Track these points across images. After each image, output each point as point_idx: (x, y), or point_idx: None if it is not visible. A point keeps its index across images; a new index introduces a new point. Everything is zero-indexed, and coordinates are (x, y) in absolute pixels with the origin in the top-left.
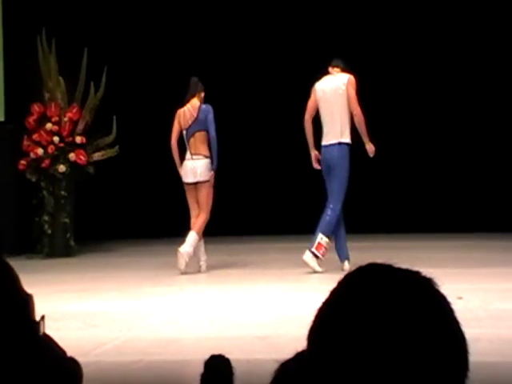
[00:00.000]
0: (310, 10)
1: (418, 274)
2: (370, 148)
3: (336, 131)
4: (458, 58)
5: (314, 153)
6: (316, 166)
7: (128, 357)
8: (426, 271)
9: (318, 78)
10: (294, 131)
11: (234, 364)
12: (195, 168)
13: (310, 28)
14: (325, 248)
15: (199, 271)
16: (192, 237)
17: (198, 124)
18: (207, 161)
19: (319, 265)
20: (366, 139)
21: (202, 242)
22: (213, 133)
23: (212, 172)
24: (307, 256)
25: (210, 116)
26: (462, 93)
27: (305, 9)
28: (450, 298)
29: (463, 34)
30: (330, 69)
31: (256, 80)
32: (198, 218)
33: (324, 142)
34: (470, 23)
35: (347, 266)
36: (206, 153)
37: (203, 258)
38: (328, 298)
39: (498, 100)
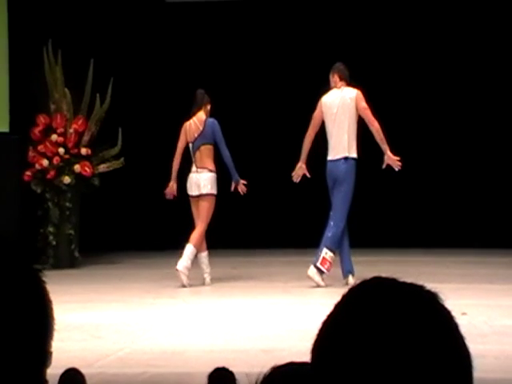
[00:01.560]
0: (315, 19)
1: (422, 288)
2: (390, 158)
3: (343, 146)
4: (457, 73)
5: (302, 165)
6: (296, 177)
7: (132, 369)
8: (431, 286)
9: (324, 92)
10: (298, 144)
11: (237, 377)
12: (199, 181)
13: (314, 38)
14: (329, 263)
15: (203, 284)
16: (189, 250)
17: (203, 137)
18: (212, 175)
19: (323, 280)
20: (385, 146)
21: (206, 254)
22: (226, 151)
23: (214, 191)
24: (312, 271)
25: (219, 133)
26: (468, 106)
27: (310, 19)
28: (454, 314)
29: (466, 48)
30: (332, 77)
31: (262, 93)
32: (195, 230)
33: (330, 157)
34: (472, 32)
35: (352, 281)
36: (211, 167)
37: (207, 270)
38: (332, 312)
39: (504, 116)
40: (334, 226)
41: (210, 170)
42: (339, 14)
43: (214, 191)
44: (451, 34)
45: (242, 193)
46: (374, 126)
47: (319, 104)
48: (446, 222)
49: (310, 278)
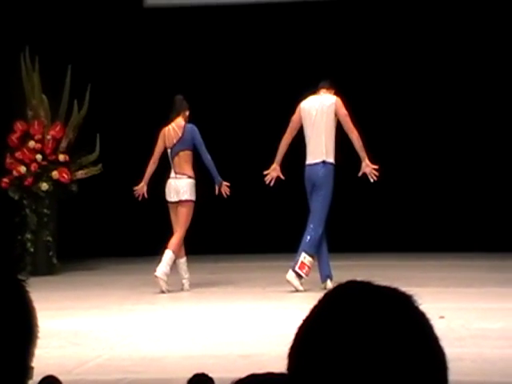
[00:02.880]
0: (296, 23)
1: (396, 290)
2: (368, 165)
3: (321, 151)
4: (453, 79)
5: (276, 167)
6: (269, 178)
7: (111, 375)
8: (408, 289)
9: (303, 97)
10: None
11: (217, 382)
12: (178, 187)
13: (294, 42)
14: (308, 267)
15: (182, 289)
16: (168, 255)
17: (182, 143)
18: (190, 181)
19: (302, 284)
20: (363, 154)
21: (184, 260)
22: (207, 155)
23: (193, 197)
24: (290, 275)
25: (198, 138)
26: (460, 111)
27: (290, 23)
28: (431, 317)
29: (461, 50)
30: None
31: (240, 99)
32: (174, 236)
33: (309, 161)
34: (467, 34)
35: (330, 285)
36: (190, 173)
37: (186, 276)
38: (308, 316)
39: (498, 120)
40: (312, 231)
41: (189, 176)
42: (320, 17)
43: (193, 197)
44: (446, 35)
45: (225, 195)
46: (354, 134)
47: (298, 108)
48: (425, 226)
49: (288, 282)
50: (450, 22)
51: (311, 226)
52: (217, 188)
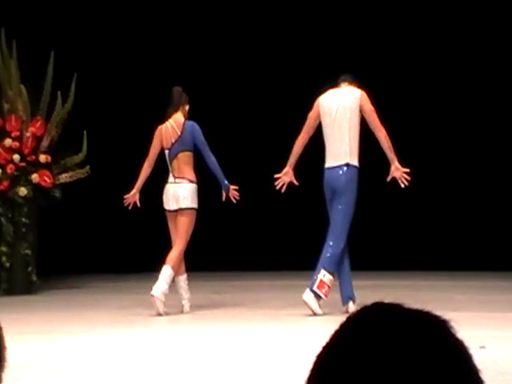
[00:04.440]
0: (306, 17)
1: (430, 315)
2: (398, 169)
3: (344, 151)
4: (460, 91)
5: (289, 171)
6: (280, 183)
7: None
8: (442, 314)
9: (322, 91)
10: (290, 152)
11: None
12: (177, 193)
13: (306, 36)
14: (328, 287)
15: (182, 312)
16: (166, 272)
17: (182, 143)
18: (191, 186)
19: (320, 306)
20: (393, 156)
21: (185, 278)
22: (211, 157)
23: (194, 205)
24: (308, 295)
25: (200, 137)
26: (471, 126)
27: (301, 17)
28: (470, 347)
29: (468, 60)
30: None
31: (248, 94)
32: (173, 250)
33: (328, 164)
34: (472, 39)
35: (352, 308)
36: (191, 176)
37: (186, 296)
38: (329, 343)
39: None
40: (333, 245)
41: (190, 181)
42: (331, 11)
43: (195, 205)
44: (453, 40)
45: (234, 200)
46: (382, 132)
47: (316, 104)
48: (462, 242)
49: (305, 303)
50: (455, 25)
51: (331, 239)
52: (224, 194)
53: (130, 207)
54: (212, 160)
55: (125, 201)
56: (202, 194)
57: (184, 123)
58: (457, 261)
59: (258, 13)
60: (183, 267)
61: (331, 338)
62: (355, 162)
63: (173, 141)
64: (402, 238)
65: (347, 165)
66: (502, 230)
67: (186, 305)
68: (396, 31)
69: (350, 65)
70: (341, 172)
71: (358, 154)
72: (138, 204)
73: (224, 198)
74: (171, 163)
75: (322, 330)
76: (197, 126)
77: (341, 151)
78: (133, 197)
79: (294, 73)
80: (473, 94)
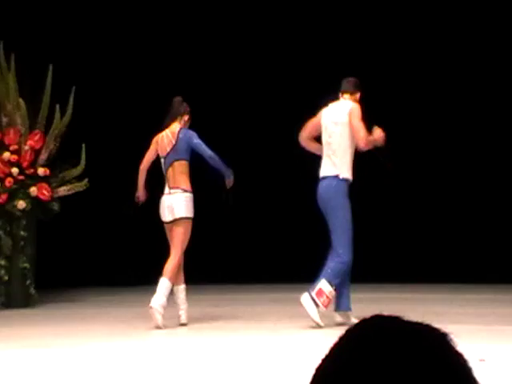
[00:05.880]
0: (307, 25)
1: (429, 327)
2: (378, 134)
3: (333, 163)
4: (460, 96)
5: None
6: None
7: None
8: (443, 326)
9: (326, 103)
10: (286, 174)
11: None
12: (172, 204)
13: (307, 45)
14: (327, 297)
15: (179, 322)
16: (164, 284)
17: (176, 152)
18: (186, 195)
19: (320, 317)
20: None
21: (183, 288)
22: (207, 152)
23: (190, 214)
24: (305, 298)
25: (195, 141)
26: (473, 133)
27: (302, 24)
28: (470, 360)
29: (468, 65)
30: (340, 95)
31: (248, 106)
32: (169, 261)
33: (321, 175)
34: (471, 38)
35: (348, 319)
36: (186, 186)
37: (183, 306)
38: (328, 355)
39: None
40: (337, 257)
41: (185, 190)
42: (330, 18)
43: (189, 214)
44: (451, 38)
45: (227, 192)
46: (360, 144)
47: (319, 114)
48: (461, 254)
49: (302, 305)
50: (454, 25)
51: (336, 251)
52: (227, 182)
53: (139, 204)
54: (209, 154)
55: (136, 197)
56: (200, 205)
57: (178, 132)
58: (455, 274)
59: (267, 21)
60: (182, 277)
61: (330, 350)
62: (345, 174)
63: (168, 150)
64: (401, 251)
65: (335, 176)
66: (500, 243)
67: (183, 315)
68: (396, 29)
69: (350, 66)
70: (329, 183)
71: (352, 167)
72: (147, 195)
73: (227, 188)
74: (166, 172)
75: (320, 342)
76: (190, 132)
77: (331, 163)
78: (143, 194)
79: (295, 83)
80: (472, 98)
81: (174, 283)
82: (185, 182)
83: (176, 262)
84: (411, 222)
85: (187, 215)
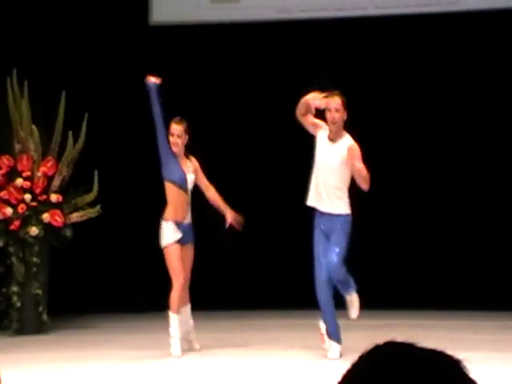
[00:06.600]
0: (303, 46)
1: (443, 354)
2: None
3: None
4: (456, 108)
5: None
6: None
7: None
8: (456, 353)
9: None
10: (293, 196)
11: None
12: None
13: (306, 64)
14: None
15: (190, 347)
16: (172, 320)
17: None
18: (162, 223)
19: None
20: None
21: (187, 310)
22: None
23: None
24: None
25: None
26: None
27: (299, 46)
28: None
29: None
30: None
31: (252, 129)
32: (171, 292)
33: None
34: (471, 37)
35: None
36: (165, 211)
37: (190, 327)
38: (340, 382)
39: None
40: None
41: (162, 217)
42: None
43: (163, 242)
44: (452, 38)
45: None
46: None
47: (319, 126)
48: (474, 280)
49: (349, 302)
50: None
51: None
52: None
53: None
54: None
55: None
56: (200, 227)
57: None
58: (469, 300)
59: (266, 46)
60: (186, 298)
61: (343, 377)
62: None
63: None
64: (413, 277)
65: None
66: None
67: (192, 333)
68: (396, 29)
69: (350, 65)
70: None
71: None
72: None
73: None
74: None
75: (334, 369)
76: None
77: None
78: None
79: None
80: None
81: (180, 306)
82: (166, 207)
83: (174, 292)
84: (424, 248)
85: (161, 244)
